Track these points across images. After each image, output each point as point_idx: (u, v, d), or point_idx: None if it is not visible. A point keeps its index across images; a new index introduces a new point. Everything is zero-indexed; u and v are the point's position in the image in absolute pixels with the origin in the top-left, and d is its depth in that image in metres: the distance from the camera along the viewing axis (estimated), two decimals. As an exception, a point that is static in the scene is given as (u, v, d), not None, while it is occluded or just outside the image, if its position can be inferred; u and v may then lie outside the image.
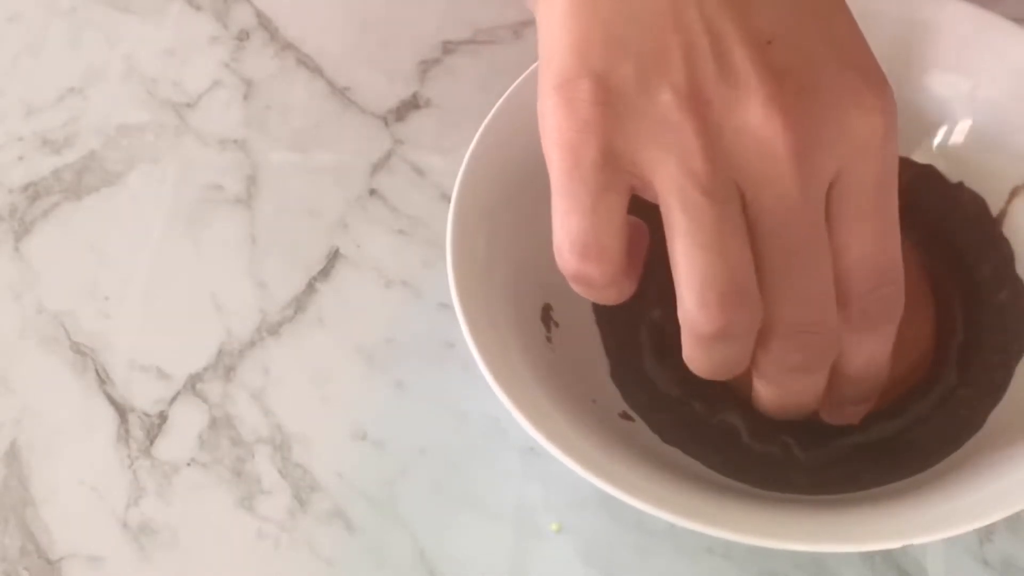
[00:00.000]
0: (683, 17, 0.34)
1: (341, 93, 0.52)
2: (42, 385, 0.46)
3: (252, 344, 0.46)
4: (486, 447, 0.43)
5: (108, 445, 0.45)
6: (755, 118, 0.33)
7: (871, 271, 0.35)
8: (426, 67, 0.52)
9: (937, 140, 0.46)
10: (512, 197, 0.42)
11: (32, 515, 0.43)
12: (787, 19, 0.34)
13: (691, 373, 0.36)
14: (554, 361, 0.41)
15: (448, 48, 0.53)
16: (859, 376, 0.38)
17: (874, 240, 0.35)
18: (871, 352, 0.37)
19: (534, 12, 0.37)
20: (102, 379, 0.46)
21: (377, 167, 0.50)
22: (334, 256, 0.48)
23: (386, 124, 0.51)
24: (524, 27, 0.53)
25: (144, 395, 0.45)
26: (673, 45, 0.34)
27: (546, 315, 0.42)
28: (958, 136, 0.45)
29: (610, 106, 0.34)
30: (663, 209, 0.34)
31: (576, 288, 0.36)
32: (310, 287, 0.47)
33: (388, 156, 0.50)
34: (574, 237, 0.34)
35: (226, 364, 0.46)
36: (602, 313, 0.43)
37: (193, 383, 0.46)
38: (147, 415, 0.45)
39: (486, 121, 0.43)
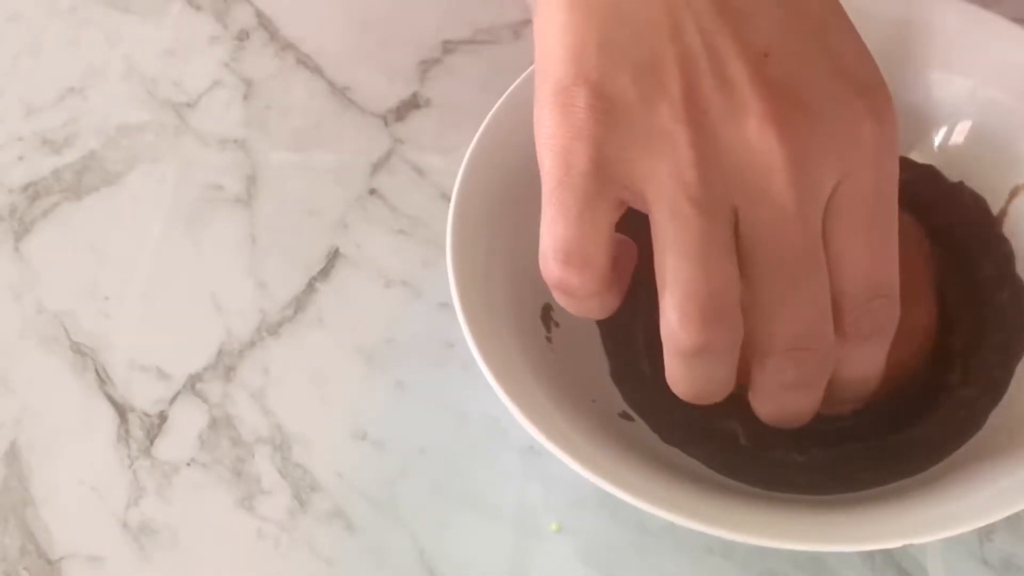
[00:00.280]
0: (680, 28, 0.34)
1: (341, 93, 0.52)
2: (42, 385, 0.46)
3: (252, 344, 0.46)
4: (486, 447, 0.43)
5: (108, 445, 0.45)
6: (751, 132, 0.33)
7: (866, 284, 0.35)
8: (426, 67, 0.52)
9: (937, 140, 0.45)
10: (512, 197, 0.42)
11: (32, 515, 0.43)
12: (783, 31, 0.34)
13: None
14: (554, 361, 0.41)
15: (448, 48, 0.53)
16: (852, 382, 0.38)
17: (870, 253, 0.35)
18: (865, 363, 0.37)
19: (532, 13, 0.37)
20: (102, 379, 0.46)
21: (377, 167, 0.50)
22: (334, 256, 0.48)
23: (386, 124, 0.51)
24: (524, 27, 0.53)
25: (144, 395, 0.45)
26: (669, 55, 0.34)
27: (546, 315, 0.42)
28: (958, 136, 0.45)
29: (605, 114, 0.34)
30: (652, 219, 0.34)
31: (558, 298, 0.36)
32: (310, 287, 0.47)
33: (388, 156, 0.50)
34: (558, 244, 0.34)
35: (226, 364, 0.46)
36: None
37: (193, 383, 0.46)
38: (147, 415, 0.45)
39: (486, 121, 0.43)
